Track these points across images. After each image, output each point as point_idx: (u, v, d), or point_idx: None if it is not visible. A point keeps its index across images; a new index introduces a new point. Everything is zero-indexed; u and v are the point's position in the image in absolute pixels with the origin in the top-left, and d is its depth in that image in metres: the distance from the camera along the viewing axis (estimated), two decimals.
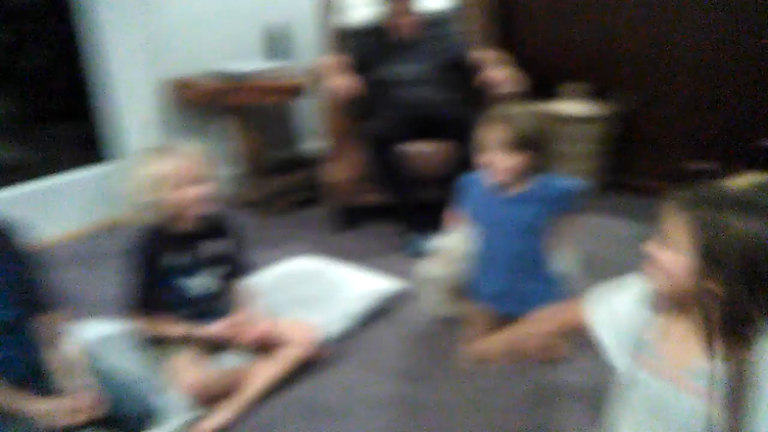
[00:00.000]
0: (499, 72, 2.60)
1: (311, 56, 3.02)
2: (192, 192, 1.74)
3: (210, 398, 1.75)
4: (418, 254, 2.50)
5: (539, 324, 1.51)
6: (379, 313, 2.24)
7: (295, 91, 2.90)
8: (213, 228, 1.87)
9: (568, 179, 1.86)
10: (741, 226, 0.93)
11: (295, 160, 3.46)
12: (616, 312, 1.20)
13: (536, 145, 1.74)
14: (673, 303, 1.07)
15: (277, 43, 3.24)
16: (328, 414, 1.79)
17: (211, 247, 1.86)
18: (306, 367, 1.94)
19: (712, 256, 0.96)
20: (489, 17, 3.08)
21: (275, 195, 3.00)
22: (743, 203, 0.96)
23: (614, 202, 3.13)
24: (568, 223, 1.91)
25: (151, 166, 1.72)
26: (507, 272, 1.87)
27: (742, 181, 2.24)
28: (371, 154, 2.59)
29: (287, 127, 3.63)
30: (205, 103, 2.96)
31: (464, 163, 2.21)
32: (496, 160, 1.75)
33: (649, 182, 3.10)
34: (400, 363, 2.00)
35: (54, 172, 2.88)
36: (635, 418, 1.16)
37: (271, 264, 2.45)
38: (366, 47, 2.86)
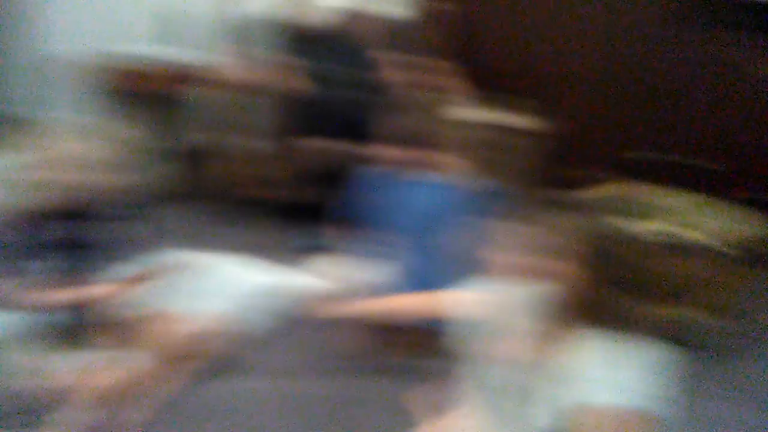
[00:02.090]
0: (440, 79, 2.58)
1: (210, 45, 2.86)
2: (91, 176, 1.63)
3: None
4: (309, 250, 2.43)
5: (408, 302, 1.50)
6: (272, 309, 2.15)
7: (192, 80, 2.74)
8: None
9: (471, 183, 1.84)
10: (596, 227, 1.00)
11: (187, 151, 3.32)
12: (501, 299, 1.20)
13: (440, 139, 1.73)
14: (542, 304, 1.10)
15: (175, 29, 3.09)
16: (216, 414, 1.70)
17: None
18: (226, 361, 1.85)
19: (571, 258, 1.00)
20: (444, 27, 3.01)
21: (212, 186, 2.84)
22: (600, 208, 1.06)
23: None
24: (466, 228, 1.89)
25: (55, 146, 1.62)
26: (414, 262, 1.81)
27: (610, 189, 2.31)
28: (271, 149, 2.48)
29: (180, 117, 3.49)
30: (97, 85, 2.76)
31: (366, 162, 2.14)
32: (399, 153, 1.74)
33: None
34: (296, 360, 1.96)
35: None
36: (492, 399, 1.18)
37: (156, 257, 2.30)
38: (279, 41, 2.74)
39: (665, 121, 2.88)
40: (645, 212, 2.26)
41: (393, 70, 2.70)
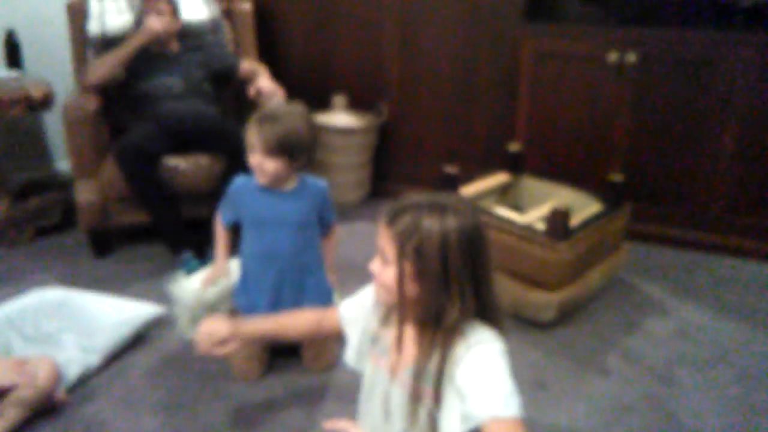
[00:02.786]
0: (269, 83, 2.58)
1: (61, 65, 2.79)
2: None
3: None
4: (193, 272, 2.36)
5: (294, 319, 1.48)
6: (137, 342, 2.08)
7: (39, 103, 2.61)
8: None
9: (322, 180, 1.91)
10: (435, 225, 1.00)
11: (46, 181, 3.12)
12: (362, 312, 1.23)
13: (299, 148, 1.75)
14: (396, 312, 1.11)
15: (18, 49, 2.90)
16: None
17: None
18: (46, 411, 1.74)
19: (416, 259, 1.01)
20: (250, 29, 3.02)
21: (16, 222, 2.66)
22: (435, 206, 1.03)
23: (378, 209, 3.17)
24: (330, 236, 1.98)
25: None
26: (281, 273, 1.86)
27: (489, 182, 2.43)
28: (128, 171, 2.39)
29: (35, 143, 3.28)
30: None
31: (232, 176, 2.12)
32: (260, 163, 1.73)
33: (408, 189, 3.18)
34: (160, 393, 1.87)
35: None
36: (372, 413, 1.19)
37: (8, 300, 2.15)
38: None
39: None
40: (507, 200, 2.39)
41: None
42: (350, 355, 1.27)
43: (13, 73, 2.81)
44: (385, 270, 1.06)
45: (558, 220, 2.06)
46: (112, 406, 1.81)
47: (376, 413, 1.15)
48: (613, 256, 2.39)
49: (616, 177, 2.38)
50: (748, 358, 2.09)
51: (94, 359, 1.94)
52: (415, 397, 1.06)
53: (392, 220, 1.05)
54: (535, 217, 2.33)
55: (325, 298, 1.91)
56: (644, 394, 1.90)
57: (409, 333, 1.10)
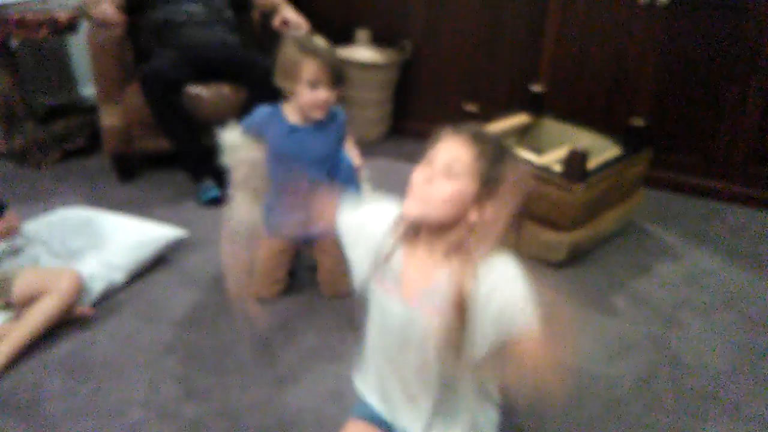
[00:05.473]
0: (294, 15, 2.56)
1: None
2: None
3: None
4: (211, 202, 2.47)
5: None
6: (159, 263, 2.16)
7: (64, 26, 2.64)
8: None
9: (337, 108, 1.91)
10: (518, 169, 1.03)
11: (71, 105, 3.16)
12: (366, 234, 1.19)
13: (343, 79, 1.78)
14: (428, 229, 1.09)
15: None
16: (97, 368, 1.71)
17: None
18: (73, 323, 1.83)
19: (490, 184, 1.02)
20: None
21: (42, 144, 2.72)
22: (511, 152, 1.07)
23: (398, 145, 3.19)
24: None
25: None
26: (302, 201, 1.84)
27: (510, 122, 2.41)
28: (151, 97, 2.41)
29: (61, 68, 3.31)
30: None
31: (254, 106, 2.13)
32: (328, 97, 1.74)
33: (429, 126, 3.16)
34: (181, 311, 1.95)
35: None
36: (381, 338, 1.18)
37: (36, 218, 2.23)
38: None
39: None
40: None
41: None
42: (357, 280, 1.21)
43: None
44: (440, 182, 1.04)
45: (575, 162, 2.06)
46: (135, 320, 1.90)
47: (392, 342, 1.14)
48: (629, 201, 2.39)
49: (638, 121, 2.36)
50: (755, 304, 2.11)
51: (118, 276, 2.01)
52: (439, 322, 1.04)
53: (477, 138, 1.04)
54: (552, 158, 2.33)
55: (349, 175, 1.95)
56: (649, 334, 1.94)
57: (423, 252, 1.08)
